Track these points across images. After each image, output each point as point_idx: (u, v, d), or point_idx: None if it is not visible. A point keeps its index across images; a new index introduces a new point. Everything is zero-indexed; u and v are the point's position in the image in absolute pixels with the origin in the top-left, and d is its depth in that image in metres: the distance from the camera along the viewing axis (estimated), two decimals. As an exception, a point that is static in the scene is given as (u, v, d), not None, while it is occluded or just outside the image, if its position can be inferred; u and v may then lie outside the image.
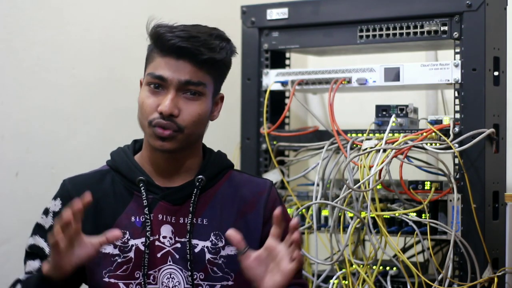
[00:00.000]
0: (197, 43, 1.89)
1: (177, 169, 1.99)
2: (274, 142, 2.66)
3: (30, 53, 2.60)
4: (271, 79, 2.69)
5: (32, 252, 1.98)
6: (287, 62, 2.80)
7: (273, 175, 2.64)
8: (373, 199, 2.39)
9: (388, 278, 2.49)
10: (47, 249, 1.95)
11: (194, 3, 3.11)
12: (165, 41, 1.90)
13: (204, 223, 1.96)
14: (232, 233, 1.81)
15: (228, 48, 1.95)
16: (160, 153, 1.95)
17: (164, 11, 2.93)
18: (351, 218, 2.45)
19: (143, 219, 1.94)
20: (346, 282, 2.46)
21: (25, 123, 2.59)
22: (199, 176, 1.97)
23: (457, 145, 2.34)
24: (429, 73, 2.44)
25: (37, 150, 2.61)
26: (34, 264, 1.97)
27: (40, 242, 1.97)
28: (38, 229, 2.00)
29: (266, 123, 2.67)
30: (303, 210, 2.52)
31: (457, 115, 2.39)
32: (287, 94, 2.75)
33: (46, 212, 2.01)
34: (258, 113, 2.70)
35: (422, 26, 2.45)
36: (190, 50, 1.89)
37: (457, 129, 2.37)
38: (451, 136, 2.36)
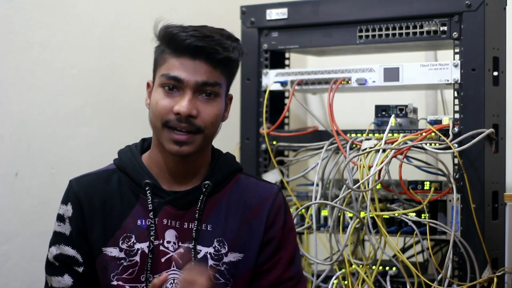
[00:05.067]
0: (212, 42, 1.87)
1: (186, 172, 1.96)
2: (274, 142, 2.67)
3: (30, 53, 2.60)
4: (271, 79, 2.69)
5: (59, 265, 1.94)
6: (286, 62, 2.80)
7: (272, 175, 2.64)
8: (372, 199, 2.39)
9: (388, 278, 2.49)
10: (79, 257, 1.93)
11: (194, 3, 3.11)
12: (180, 41, 1.86)
13: (208, 229, 1.94)
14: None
15: (239, 48, 1.93)
16: (176, 156, 1.91)
17: (164, 11, 2.95)
18: (351, 218, 2.45)
19: (148, 223, 1.92)
20: (346, 282, 2.47)
21: (25, 123, 2.59)
22: (206, 182, 1.94)
23: (456, 145, 2.34)
24: (428, 73, 2.44)
25: (37, 150, 2.61)
26: (64, 281, 1.93)
27: (68, 250, 1.94)
28: (60, 238, 1.95)
29: (265, 123, 2.67)
30: (303, 210, 2.52)
31: (457, 115, 2.39)
32: (286, 94, 2.75)
33: (61, 219, 1.96)
34: (257, 113, 2.70)
35: (421, 26, 2.46)
36: (206, 50, 1.86)
37: (456, 129, 2.37)
38: (451, 136, 2.36)
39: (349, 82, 2.56)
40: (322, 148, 2.54)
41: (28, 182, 2.59)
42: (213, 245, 1.93)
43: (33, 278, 2.52)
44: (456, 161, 2.38)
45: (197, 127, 1.88)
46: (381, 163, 2.33)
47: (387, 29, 2.51)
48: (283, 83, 2.66)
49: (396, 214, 2.42)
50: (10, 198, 2.56)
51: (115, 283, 1.91)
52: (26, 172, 2.59)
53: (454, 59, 2.41)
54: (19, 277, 2.56)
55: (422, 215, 2.39)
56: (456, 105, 2.40)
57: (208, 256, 1.93)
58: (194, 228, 1.92)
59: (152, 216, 1.92)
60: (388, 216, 2.44)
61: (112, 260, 1.92)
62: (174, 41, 1.88)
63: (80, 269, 1.93)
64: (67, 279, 1.94)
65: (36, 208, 2.60)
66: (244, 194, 1.99)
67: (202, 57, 1.87)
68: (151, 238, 1.91)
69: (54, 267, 1.95)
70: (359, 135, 2.49)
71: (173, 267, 1.92)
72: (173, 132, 1.88)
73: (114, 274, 1.92)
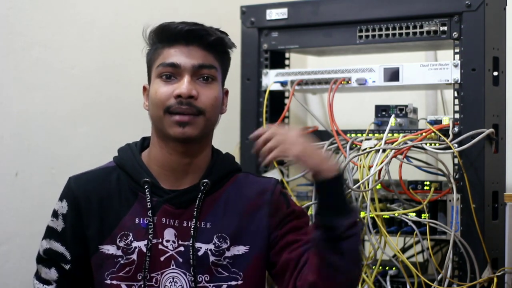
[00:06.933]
0: (204, 27, 1.94)
1: (186, 168, 1.96)
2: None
3: (30, 53, 2.61)
4: (271, 79, 2.69)
5: (47, 258, 1.97)
6: (286, 62, 2.80)
7: (272, 175, 2.63)
8: (372, 199, 2.39)
9: (388, 278, 2.49)
10: (67, 254, 1.95)
11: (194, 3, 3.11)
12: (172, 29, 1.92)
13: (208, 226, 1.94)
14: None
15: (229, 38, 1.98)
16: (179, 143, 1.92)
17: (163, 11, 2.95)
18: (351, 218, 2.45)
19: (147, 221, 1.93)
20: (346, 282, 2.46)
21: (25, 123, 2.59)
22: (204, 180, 1.95)
23: (456, 145, 2.34)
24: (428, 73, 2.44)
25: (37, 150, 2.62)
26: (50, 274, 1.96)
27: (57, 247, 1.96)
28: (51, 233, 1.98)
29: (265, 123, 2.67)
30: (303, 210, 2.52)
31: (457, 115, 2.39)
32: (286, 94, 2.75)
33: (55, 215, 1.98)
34: (257, 113, 2.70)
35: (421, 26, 2.46)
36: (199, 33, 1.92)
37: (456, 129, 2.37)
38: (451, 136, 2.36)
39: (349, 82, 2.56)
40: (322, 148, 2.54)
41: (28, 182, 2.59)
42: (213, 241, 1.94)
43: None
44: (456, 161, 2.38)
45: (198, 108, 1.90)
46: (381, 163, 2.33)
47: (387, 29, 2.51)
48: (283, 83, 2.66)
49: (396, 214, 2.42)
50: (10, 198, 2.56)
51: (108, 281, 1.92)
52: (26, 172, 2.59)
53: (454, 59, 2.41)
54: (19, 277, 2.56)
55: (422, 215, 2.39)
56: (456, 105, 2.40)
57: (209, 252, 1.93)
58: (193, 226, 1.92)
59: (150, 215, 1.92)
60: (388, 216, 2.44)
61: (108, 258, 1.93)
62: (167, 31, 1.93)
63: (67, 266, 1.95)
64: (53, 273, 1.96)
65: (36, 208, 2.60)
66: (242, 190, 2.00)
67: (195, 42, 1.92)
68: (150, 236, 1.91)
69: (43, 259, 1.98)
70: (359, 135, 2.49)
71: (173, 265, 1.92)
72: (175, 116, 1.89)
73: (109, 273, 1.92)
